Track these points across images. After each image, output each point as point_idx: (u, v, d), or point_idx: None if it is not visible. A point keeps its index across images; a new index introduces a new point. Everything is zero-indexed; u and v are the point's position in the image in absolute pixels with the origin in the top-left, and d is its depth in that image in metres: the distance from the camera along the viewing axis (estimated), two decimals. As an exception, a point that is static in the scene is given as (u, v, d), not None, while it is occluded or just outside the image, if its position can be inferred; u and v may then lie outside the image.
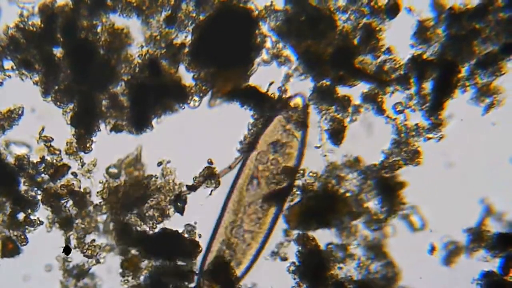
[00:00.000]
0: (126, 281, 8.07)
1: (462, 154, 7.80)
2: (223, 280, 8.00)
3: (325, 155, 7.85)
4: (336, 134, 7.83)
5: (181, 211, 8.05)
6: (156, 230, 8.03)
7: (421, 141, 7.78)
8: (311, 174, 7.93)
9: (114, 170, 8.07)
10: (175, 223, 8.06)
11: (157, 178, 8.04)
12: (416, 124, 7.77)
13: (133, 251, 8.06)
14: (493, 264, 7.83)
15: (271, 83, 7.87)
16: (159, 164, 8.04)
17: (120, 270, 8.07)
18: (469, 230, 7.87)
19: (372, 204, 7.87)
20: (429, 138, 7.76)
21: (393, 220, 7.89)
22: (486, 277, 7.76)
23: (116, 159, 8.08)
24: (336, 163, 7.86)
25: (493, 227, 7.88)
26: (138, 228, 8.02)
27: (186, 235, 8.01)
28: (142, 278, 8.06)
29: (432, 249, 7.94)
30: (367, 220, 7.90)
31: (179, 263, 8.00)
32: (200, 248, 8.03)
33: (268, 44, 7.84)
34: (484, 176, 7.75)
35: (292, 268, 7.93)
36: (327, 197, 7.83)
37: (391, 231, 7.95)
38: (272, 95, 7.88)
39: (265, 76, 7.91)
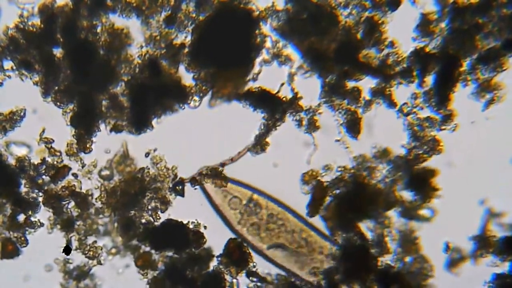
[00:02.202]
0: (145, 275, 8.04)
1: (462, 154, 7.74)
2: (238, 259, 7.94)
3: (347, 147, 7.80)
4: (353, 126, 7.79)
5: (181, 193, 8.02)
6: (161, 221, 8.02)
7: (435, 131, 7.74)
8: (339, 168, 7.86)
9: (106, 172, 8.06)
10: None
11: (149, 168, 8.02)
12: (428, 116, 7.73)
13: (142, 249, 8.04)
14: (503, 269, 7.75)
15: (282, 85, 7.84)
16: (147, 155, 8.02)
17: (137, 269, 8.04)
18: (474, 237, 7.80)
19: (405, 193, 7.82)
20: (443, 129, 7.71)
21: (427, 207, 7.85)
22: (498, 280, 7.67)
23: (105, 161, 8.10)
24: (366, 155, 7.82)
25: (497, 231, 7.80)
26: (143, 221, 8.00)
27: (190, 226, 7.98)
28: (159, 269, 8.05)
29: (447, 248, 7.85)
30: (402, 210, 7.83)
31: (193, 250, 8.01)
32: (205, 240, 7.98)
33: (268, 44, 7.80)
34: (484, 176, 7.69)
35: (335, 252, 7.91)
36: (360, 189, 7.79)
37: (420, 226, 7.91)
38: (283, 98, 7.84)
39: (266, 78, 7.90)
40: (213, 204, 8.13)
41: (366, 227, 7.88)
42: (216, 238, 8.05)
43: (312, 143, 7.89)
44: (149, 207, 8.00)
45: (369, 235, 7.87)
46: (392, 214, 7.86)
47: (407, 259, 7.86)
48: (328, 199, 7.86)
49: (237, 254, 7.93)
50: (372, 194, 7.77)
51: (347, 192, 7.80)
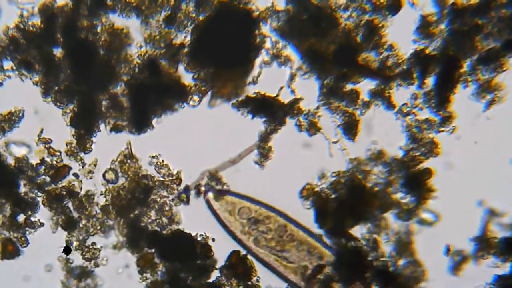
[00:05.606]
0: (144, 278, 8.03)
1: (462, 155, 7.73)
2: (241, 273, 7.93)
3: (344, 149, 7.80)
4: (350, 129, 7.80)
5: (186, 201, 8.01)
6: (169, 231, 8.02)
7: (434, 133, 7.73)
8: (334, 174, 7.85)
9: (111, 174, 8.05)
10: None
11: (154, 176, 8.02)
12: (427, 118, 7.73)
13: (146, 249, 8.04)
14: (505, 269, 7.73)
15: (281, 88, 7.83)
16: (151, 163, 8.03)
17: (138, 269, 8.02)
18: (475, 238, 7.78)
19: (401, 195, 7.80)
20: (441, 131, 7.72)
21: (424, 209, 7.83)
22: (499, 281, 7.65)
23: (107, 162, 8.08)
24: (360, 158, 7.81)
25: (498, 232, 7.79)
26: (149, 227, 8.00)
27: (199, 239, 7.97)
28: (159, 273, 8.02)
29: (448, 250, 7.83)
30: (398, 211, 7.81)
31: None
32: (212, 253, 7.98)
33: (268, 44, 7.81)
34: (483, 177, 7.68)
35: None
36: (356, 191, 7.77)
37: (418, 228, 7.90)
38: (282, 102, 7.84)
39: (264, 80, 7.90)
40: (217, 216, 8.12)
41: (360, 230, 7.88)
42: (220, 249, 8.06)
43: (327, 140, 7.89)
44: (156, 213, 8.04)
45: (360, 238, 7.86)
46: (389, 216, 7.84)
47: (401, 262, 7.86)
48: (332, 205, 7.86)
49: (241, 268, 7.91)
50: (368, 196, 7.77)
51: (344, 195, 7.79)
